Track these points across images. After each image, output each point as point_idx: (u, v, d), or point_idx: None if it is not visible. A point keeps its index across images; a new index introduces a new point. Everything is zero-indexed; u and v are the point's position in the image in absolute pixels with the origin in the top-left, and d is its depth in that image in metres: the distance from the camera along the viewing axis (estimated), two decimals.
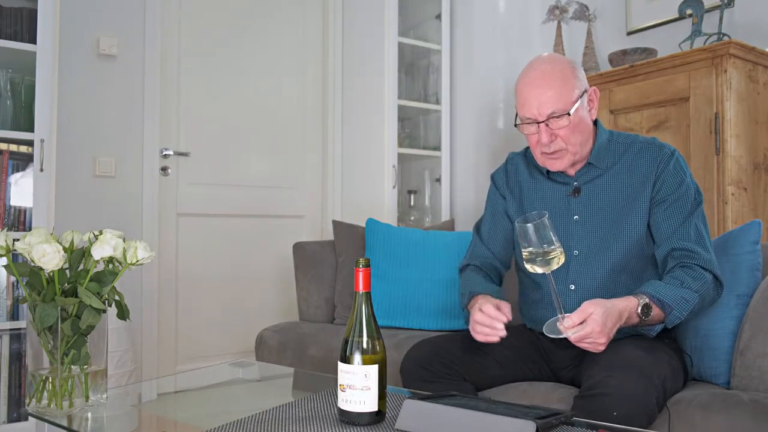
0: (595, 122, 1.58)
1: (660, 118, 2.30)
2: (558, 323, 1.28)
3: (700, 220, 1.47)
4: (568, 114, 1.45)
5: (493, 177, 1.75)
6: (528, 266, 1.30)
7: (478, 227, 1.75)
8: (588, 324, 1.24)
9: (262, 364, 2.06)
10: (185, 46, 2.97)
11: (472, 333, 1.41)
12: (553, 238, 1.26)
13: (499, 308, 1.39)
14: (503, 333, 1.35)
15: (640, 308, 1.33)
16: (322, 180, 3.39)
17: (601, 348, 1.28)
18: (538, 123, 1.47)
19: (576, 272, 1.52)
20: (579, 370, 1.47)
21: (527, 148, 1.68)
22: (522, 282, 1.67)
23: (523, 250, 1.29)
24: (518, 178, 1.68)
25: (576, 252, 1.53)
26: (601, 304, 1.27)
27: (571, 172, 1.57)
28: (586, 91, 1.51)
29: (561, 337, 1.27)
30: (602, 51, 2.88)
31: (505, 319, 1.36)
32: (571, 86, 1.47)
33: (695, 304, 1.36)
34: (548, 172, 1.60)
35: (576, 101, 1.46)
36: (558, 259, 1.27)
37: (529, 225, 1.26)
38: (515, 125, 1.54)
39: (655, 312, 1.35)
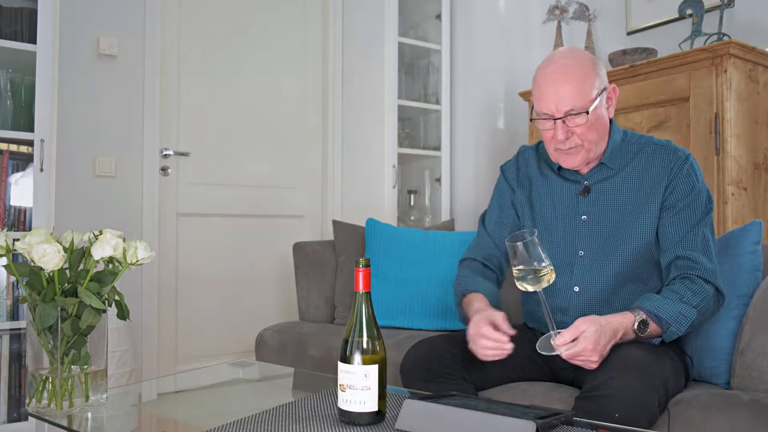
0: (610, 122, 1.54)
1: (660, 118, 2.30)
2: (551, 340, 1.29)
3: (708, 229, 1.44)
4: (587, 112, 1.40)
5: (503, 169, 1.72)
6: (518, 284, 1.30)
7: (483, 218, 1.72)
8: (580, 342, 1.25)
9: (262, 364, 2.06)
10: (185, 46, 2.97)
11: (477, 353, 1.37)
12: (543, 256, 1.27)
13: (496, 326, 1.36)
14: (510, 349, 1.33)
15: (636, 325, 1.32)
16: (322, 180, 3.39)
17: (594, 366, 1.28)
18: (555, 119, 1.43)
19: (580, 274, 1.51)
20: (579, 371, 1.46)
21: (539, 143, 1.65)
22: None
23: (513, 268, 1.30)
24: (529, 172, 1.65)
25: (581, 253, 1.51)
26: (595, 321, 1.27)
27: (583, 170, 1.54)
28: (605, 88, 1.47)
29: (554, 354, 1.28)
30: (602, 51, 2.88)
31: (507, 338, 1.34)
32: (591, 83, 1.42)
33: (693, 319, 1.35)
34: (559, 168, 1.57)
35: (595, 99, 1.42)
36: (548, 278, 1.28)
37: (518, 244, 1.26)
38: (531, 120, 1.51)
39: (652, 328, 1.34)
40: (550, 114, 1.44)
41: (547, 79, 1.44)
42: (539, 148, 1.66)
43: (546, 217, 1.58)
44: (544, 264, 1.27)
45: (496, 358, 1.36)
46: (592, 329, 1.25)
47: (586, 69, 1.43)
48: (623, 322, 1.31)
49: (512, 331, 1.35)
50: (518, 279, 1.30)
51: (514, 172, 1.68)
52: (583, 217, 1.53)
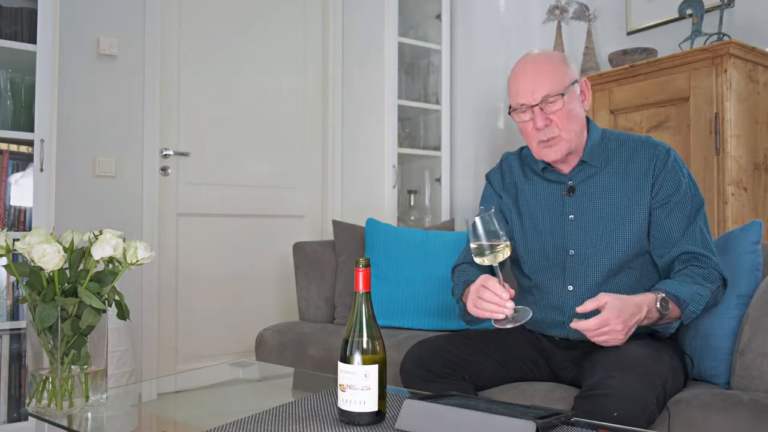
0: (588, 121, 1.58)
1: (660, 118, 2.30)
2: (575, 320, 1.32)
3: (703, 223, 1.47)
4: (562, 95, 1.45)
5: (488, 177, 1.75)
6: (477, 259, 1.35)
7: None
8: (604, 311, 1.26)
9: (262, 364, 2.06)
10: (185, 46, 2.97)
11: (476, 311, 1.36)
12: (500, 232, 1.32)
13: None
14: (510, 309, 1.32)
15: (658, 302, 1.33)
16: (322, 180, 3.39)
17: (622, 338, 1.29)
18: (532, 108, 1.47)
19: (573, 273, 1.52)
20: (579, 371, 1.47)
21: (521, 148, 1.69)
22: (519, 285, 1.67)
23: (471, 243, 1.34)
24: (513, 178, 1.67)
25: (572, 252, 1.52)
26: (616, 295, 1.29)
27: (566, 170, 1.56)
28: (577, 81, 1.51)
29: (507, 327, 1.32)
30: (602, 51, 2.88)
31: (509, 295, 1.33)
32: (564, 72, 1.49)
33: (708, 299, 1.38)
34: (543, 170, 1.59)
35: (568, 86, 1.47)
36: (503, 252, 1.33)
37: (476, 218, 1.32)
38: (509, 113, 1.54)
39: (672, 307, 1.35)
40: (527, 103, 1.48)
41: (522, 73, 1.51)
42: (522, 153, 1.69)
43: (534, 219, 1.60)
44: (500, 239, 1.32)
45: (495, 316, 1.34)
46: (615, 302, 1.27)
47: (556, 62, 1.50)
48: (645, 299, 1.33)
49: (512, 291, 1.35)
50: (476, 255, 1.34)
51: (499, 178, 1.71)
52: (570, 216, 1.54)
